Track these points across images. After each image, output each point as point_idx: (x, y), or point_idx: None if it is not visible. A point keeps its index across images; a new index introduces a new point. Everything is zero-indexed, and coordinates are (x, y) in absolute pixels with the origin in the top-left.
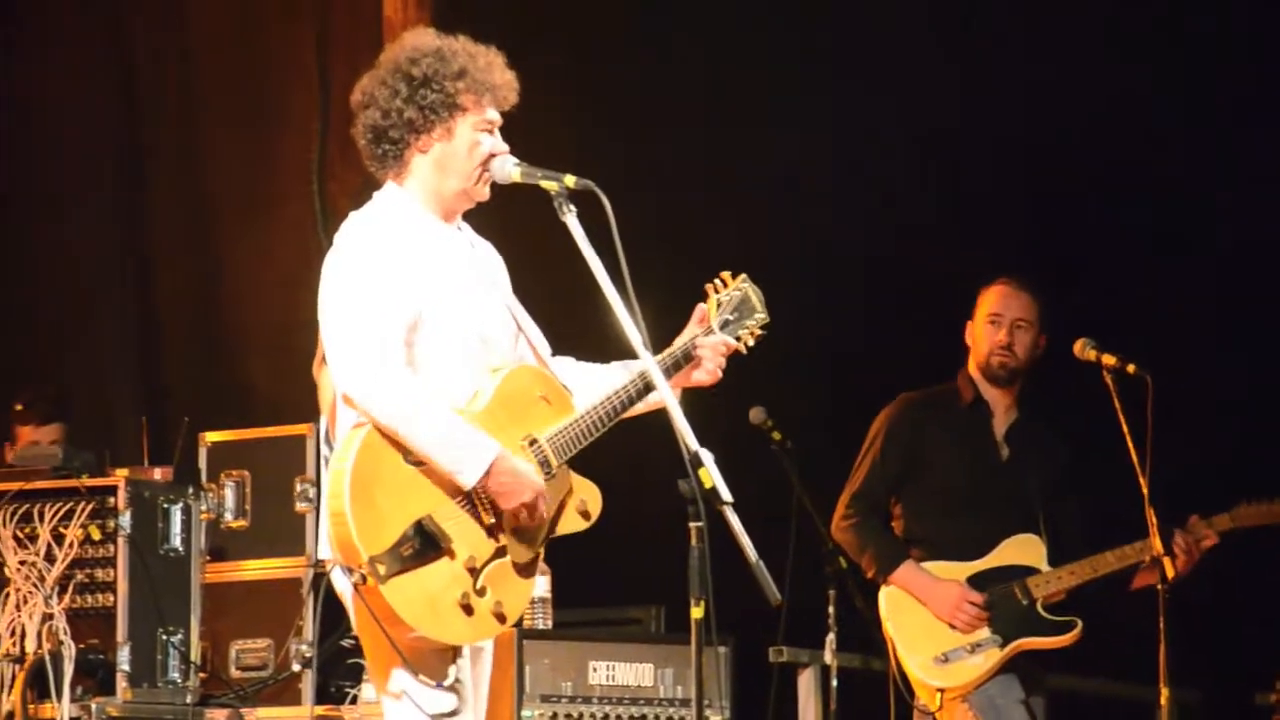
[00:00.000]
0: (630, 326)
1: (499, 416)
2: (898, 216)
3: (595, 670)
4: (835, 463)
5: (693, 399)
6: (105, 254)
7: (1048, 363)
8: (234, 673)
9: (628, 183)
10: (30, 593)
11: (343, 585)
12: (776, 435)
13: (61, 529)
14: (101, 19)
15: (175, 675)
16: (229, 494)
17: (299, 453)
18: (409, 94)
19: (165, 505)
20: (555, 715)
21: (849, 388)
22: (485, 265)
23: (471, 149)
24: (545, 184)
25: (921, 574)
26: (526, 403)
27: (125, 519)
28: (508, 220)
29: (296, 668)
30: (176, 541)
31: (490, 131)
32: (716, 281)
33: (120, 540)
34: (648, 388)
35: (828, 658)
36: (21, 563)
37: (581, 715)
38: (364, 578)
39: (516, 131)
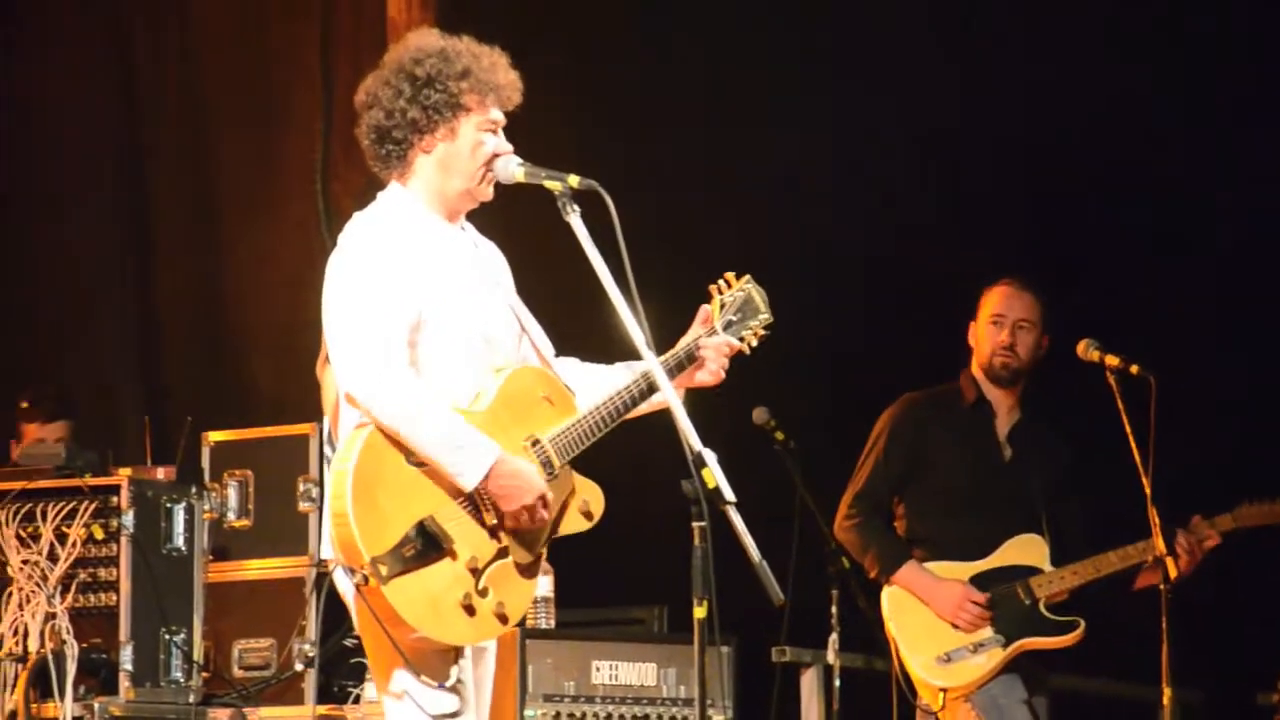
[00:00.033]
0: (633, 327)
1: (502, 417)
2: (898, 216)
3: (598, 670)
4: (838, 463)
5: (695, 399)
6: (107, 254)
7: (1050, 363)
8: (237, 672)
9: (628, 182)
10: (33, 592)
11: (345, 585)
12: (779, 435)
13: (64, 528)
14: (102, 19)
15: (178, 675)
16: (232, 493)
17: (302, 452)
18: (413, 94)
19: (168, 505)
20: (558, 715)
21: (851, 388)
22: (489, 265)
23: (475, 149)
24: (549, 184)
25: (924, 574)
26: (529, 403)
27: (128, 518)
28: (511, 220)
29: (299, 667)
30: (179, 541)
31: (494, 131)
32: (720, 282)
33: (123, 539)
34: (651, 388)
35: (830, 658)
36: (24, 562)
37: (584, 715)
38: (366, 578)
39: (520, 131)
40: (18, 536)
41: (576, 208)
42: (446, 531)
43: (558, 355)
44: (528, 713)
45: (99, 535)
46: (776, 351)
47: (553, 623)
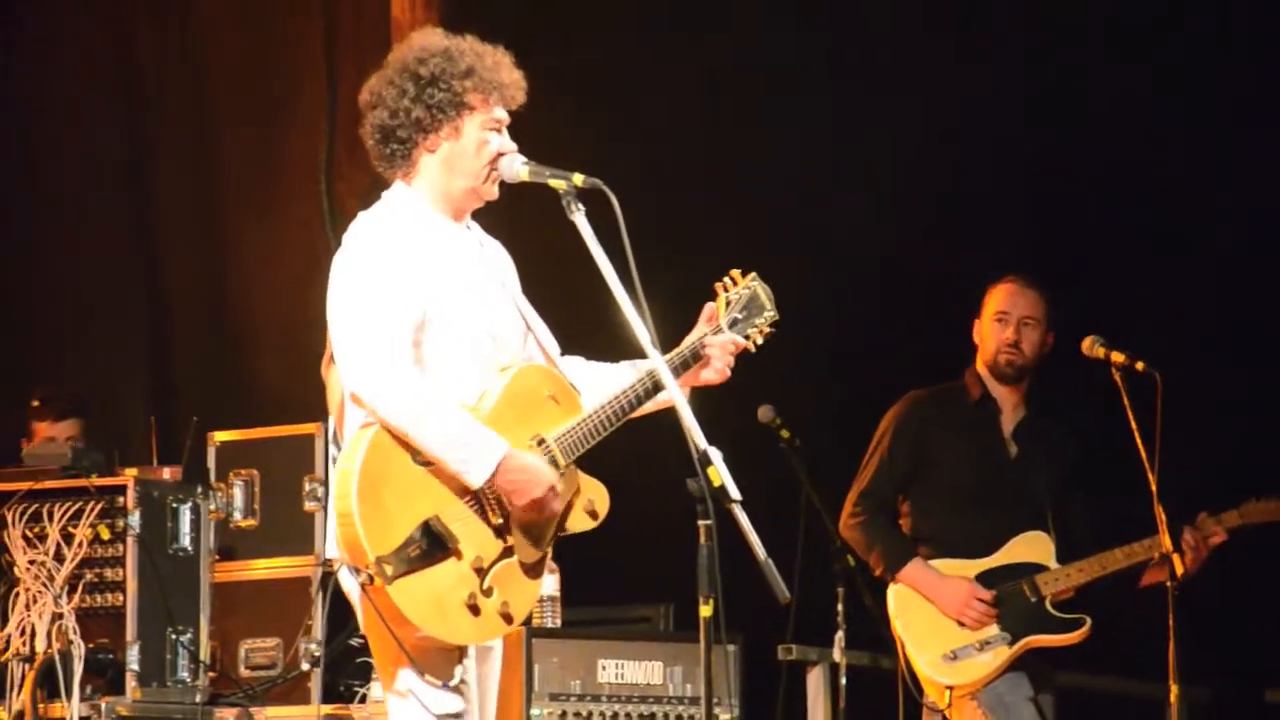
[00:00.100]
0: (638, 325)
1: (507, 416)
2: (899, 216)
3: (604, 669)
4: (843, 461)
5: (701, 398)
6: (112, 254)
7: (1055, 360)
8: (243, 672)
9: (628, 182)
10: (40, 592)
11: (350, 584)
12: (785, 433)
13: (71, 528)
14: (104, 18)
15: (184, 674)
16: (238, 493)
17: (308, 452)
18: (417, 93)
19: (174, 505)
20: (564, 713)
21: (857, 386)
22: (494, 264)
23: (479, 148)
24: (553, 183)
25: (929, 571)
26: (535, 402)
27: (134, 518)
28: (516, 219)
29: (305, 667)
30: (185, 541)
31: (498, 130)
32: (726, 280)
33: (129, 540)
34: (656, 387)
35: (836, 656)
36: (31, 562)
37: (590, 714)
38: (371, 578)
39: (524, 131)
40: (24, 537)
41: (581, 206)
42: (451, 531)
43: (563, 354)
44: (534, 712)
45: (105, 535)
46: (782, 350)
47: (558, 622)
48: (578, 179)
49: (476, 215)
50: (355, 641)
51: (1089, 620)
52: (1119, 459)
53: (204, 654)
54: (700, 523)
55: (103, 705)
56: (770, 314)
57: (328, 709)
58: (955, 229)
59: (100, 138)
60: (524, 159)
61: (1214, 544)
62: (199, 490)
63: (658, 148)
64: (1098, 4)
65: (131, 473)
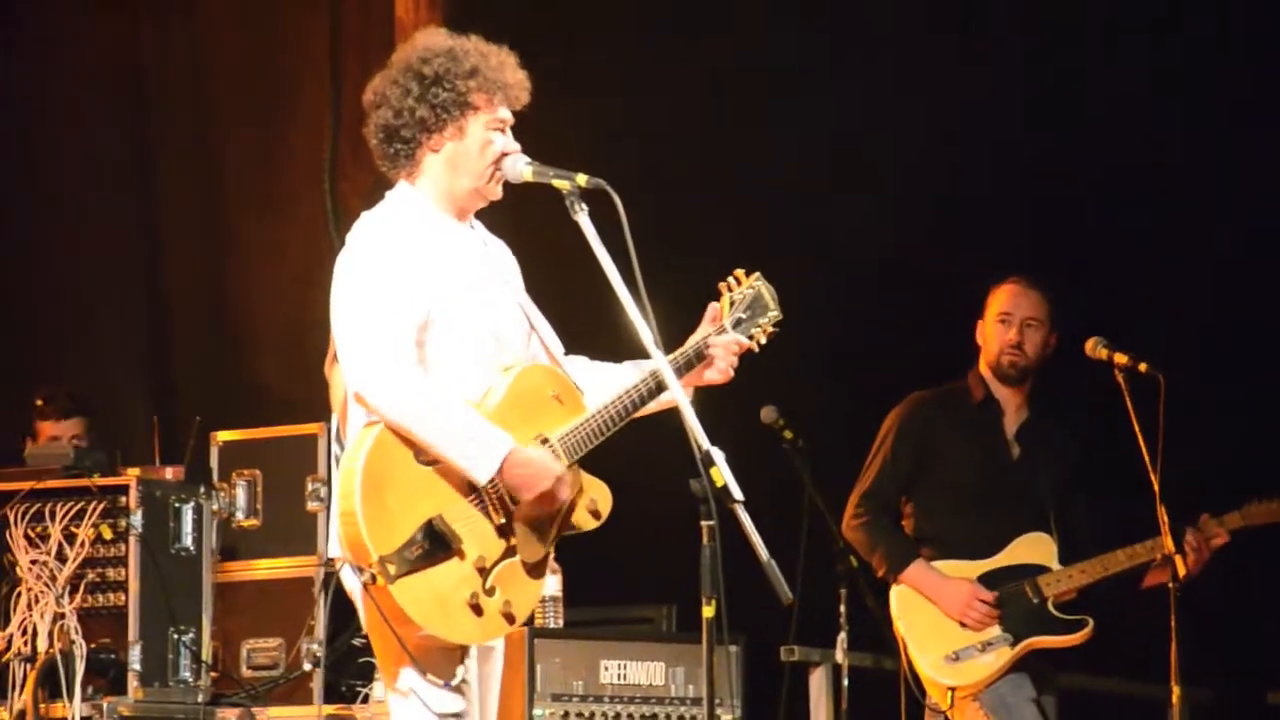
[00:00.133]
0: (641, 325)
1: (510, 415)
2: (899, 217)
3: (607, 669)
4: (846, 462)
5: (704, 398)
6: (115, 254)
7: (1058, 361)
8: (245, 672)
9: (628, 183)
10: (42, 592)
11: (352, 583)
12: (788, 434)
13: (73, 528)
14: (106, 19)
15: (186, 674)
16: (240, 493)
17: (310, 452)
18: (421, 93)
19: (177, 504)
20: (566, 714)
21: (860, 387)
22: (498, 263)
23: (483, 148)
24: (557, 183)
25: (932, 572)
26: (538, 401)
27: (137, 518)
28: (520, 219)
29: (308, 667)
30: (188, 541)
31: (502, 130)
32: (730, 279)
33: (132, 539)
34: (659, 387)
35: (839, 656)
36: (33, 562)
37: (593, 714)
38: (374, 577)
39: (527, 131)
40: (26, 536)
41: (584, 206)
42: (454, 531)
43: (567, 353)
44: (536, 712)
45: (107, 535)
46: (784, 351)
47: (561, 622)
48: (581, 179)
49: (480, 215)
50: (357, 642)
51: (1091, 621)
52: (1121, 460)
53: (206, 654)
54: (703, 523)
55: (104, 705)
56: (774, 314)
57: (330, 709)
58: (955, 230)
59: (100, 138)
60: (528, 159)
61: (1216, 545)
62: (201, 490)
63: (660, 148)
64: (1098, 4)
65: (134, 472)
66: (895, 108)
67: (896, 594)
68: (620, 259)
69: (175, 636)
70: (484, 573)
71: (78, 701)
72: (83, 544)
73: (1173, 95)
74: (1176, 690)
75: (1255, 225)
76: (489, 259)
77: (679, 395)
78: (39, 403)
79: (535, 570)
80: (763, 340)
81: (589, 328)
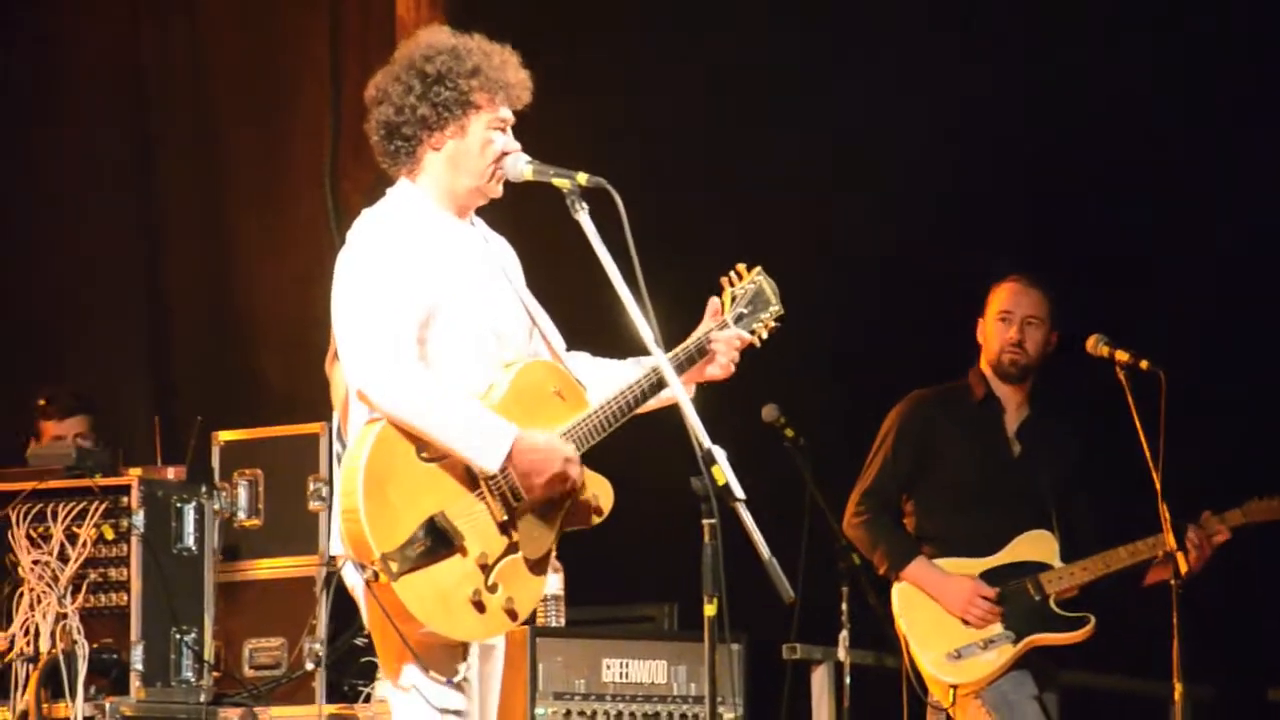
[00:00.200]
0: (642, 323)
1: (513, 411)
2: (899, 216)
3: (608, 668)
4: (847, 460)
5: (705, 396)
6: (116, 253)
7: (1059, 359)
8: (247, 671)
9: (629, 182)
10: (44, 592)
11: (354, 580)
12: (789, 432)
13: (75, 528)
14: (107, 18)
15: (189, 674)
16: (242, 493)
17: (312, 451)
18: (423, 91)
19: (178, 504)
20: (568, 713)
21: (861, 385)
22: (499, 260)
23: (484, 147)
24: (558, 182)
25: (933, 570)
26: (540, 397)
27: (138, 518)
28: (521, 217)
29: (310, 666)
30: (190, 541)
31: (503, 130)
32: (731, 274)
33: (133, 539)
34: (660, 383)
35: (841, 655)
36: (35, 562)
37: (595, 713)
38: (376, 574)
39: (527, 130)
40: (28, 537)
41: (585, 205)
42: (457, 528)
43: (568, 350)
44: (538, 711)
45: (109, 535)
46: (785, 349)
47: (563, 621)
48: (582, 178)
49: (481, 212)
50: (359, 641)
51: (1093, 619)
52: (1122, 458)
53: (208, 654)
54: (705, 522)
55: (107, 705)
56: (776, 308)
57: (332, 709)
58: (956, 228)
59: (100, 138)
60: (528, 158)
61: (1218, 542)
62: (203, 490)
63: (661, 147)
64: (1099, 3)
65: (135, 472)
66: (896, 106)
67: (898, 592)
68: (621, 258)
69: (177, 636)
70: (486, 569)
71: (80, 701)
72: (85, 544)
73: (1174, 93)
74: (1178, 687)
75: (1256, 223)
76: (490, 256)
77: (680, 393)
78: (41, 402)
79: (537, 567)
80: (764, 335)
81: (590, 326)
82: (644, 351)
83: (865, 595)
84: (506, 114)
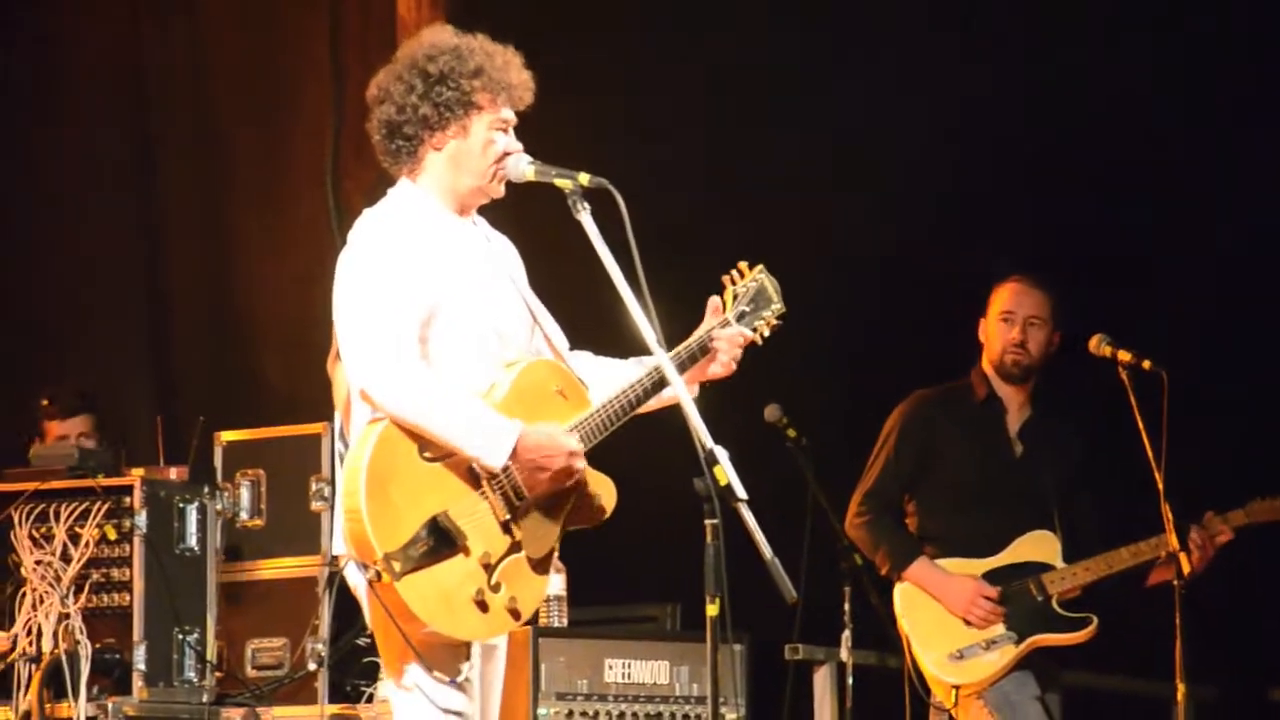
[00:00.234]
0: (644, 323)
1: (515, 410)
2: (900, 216)
3: (611, 668)
4: (849, 460)
5: (707, 396)
6: (117, 253)
7: (1061, 359)
8: (250, 671)
9: (629, 181)
10: (46, 592)
11: (357, 580)
12: (791, 433)
13: (77, 528)
14: (107, 18)
15: (191, 674)
16: (244, 493)
17: (314, 451)
18: (425, 90)
19: (181, 505)
20: (571, 713)
21: (863, 385)
22: (501, 259)
23: (486, 147)
24: (559, 182)
25: (935, 570)
26: (542, 396)
27: (141, 518)
28: (523, 217)
29: (312, 666)
30: (192, 541)
31: (505, 130)
32: (733, 272)
33: (136, 540)
34: (662, 382)
35: (843, 655)
36: (38, 562)
37: (597, 713)
38: (379, 574)
39: (528, 129)
40: (31, 537)
41: (587, 205)
42: (459, 527)
43: (571, 349)
44: (540, 711)
45: (112, 535)
46: (788, 349)
47: (565, 621)
48: (583, 178)
49: (482, 212)
50: (362, 641)
51: (1095, 619)
52: (1125, 458)
53: (211, 654)
54: (707, 522)
55: (109, 705)
56: (777, 306)
57: (334, 709)
58: (956, 229)
59: (100, 137)
60: (530, 158)
61: (1220, 543)
62: (205, 490)
63: (660, 147)
64: (1099, 3)
65: (138, 473)
66: (896, 106)
67: (900, 592)
68: (622, 257)
69: (180, 636)
70: (489, 569)
71: (83, 702)
72: (87, 544)
73: (1174, 93)
74: (1181, 688)
75: (1256, 223)
76: (492, 255)
77: (682, 393)
78: (44, 402)
79: (540, 566)
80: (766, 333)
81: (592, 325)
82: (646, 351)
83: (867, 595)
84: (509, 114)
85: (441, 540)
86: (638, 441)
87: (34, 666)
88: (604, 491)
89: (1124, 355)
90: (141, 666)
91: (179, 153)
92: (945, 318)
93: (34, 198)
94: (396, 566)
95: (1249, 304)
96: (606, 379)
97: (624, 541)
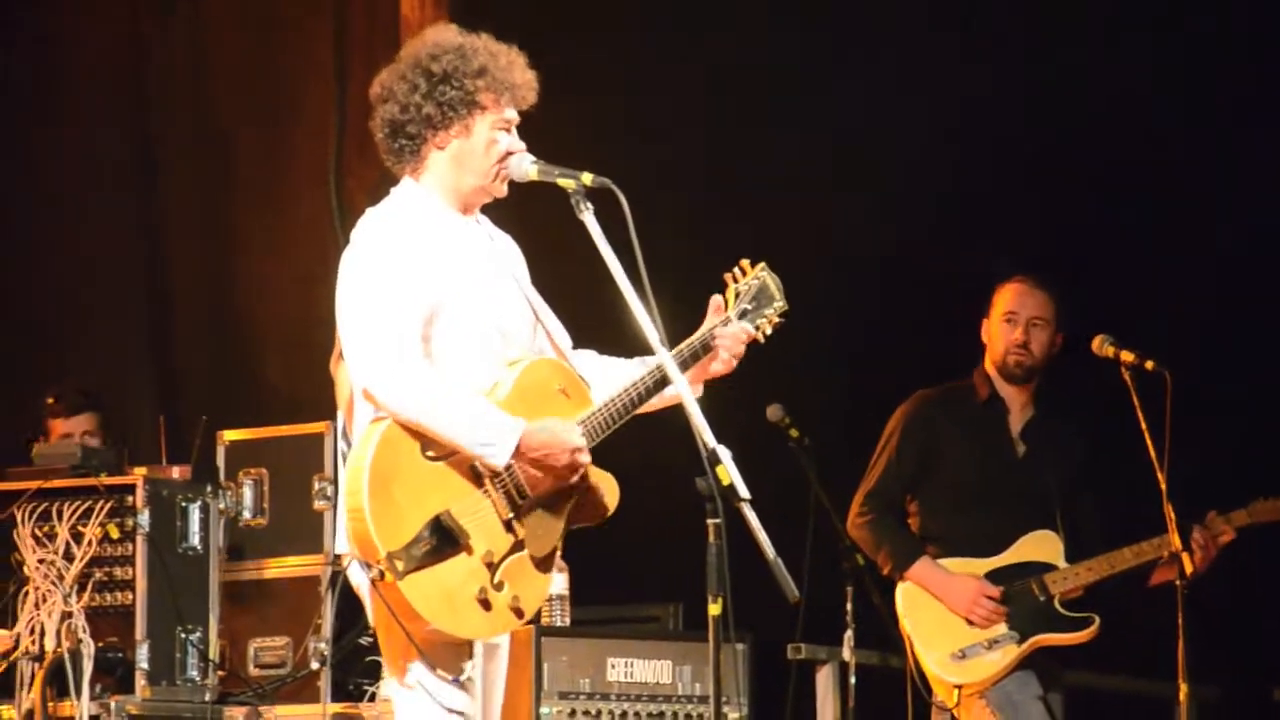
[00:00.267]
0: (647, 323)
1: (518, 409)
2: (900, 216)
3: (613, 667)
4: (852, 460)
5: (710, 396)
6: (119, 253)
7: (1064, 359)
8: (252, 670)
9: (629, 181)
10: (49, 591)
11: (360, 579)
12: (794, 432)
13: (80, 527)
14: (109, 18)
15: (194, 673)
16: (247, 492)
17: (317, 450)
18: (428, 90)
19: (183, 504)
20: (573, 712)
21: (866, 385)
22: (504, 257)
23: (489, 147)
24: (562, 182)
25: (937, 569)
26: (545, 395)
27: (144, 517)
28: (526, 216)
29: (315, 665)
30: (195, 540)
31: (508, 130)
32: (735, 270)
33: (139, 539)
34: (664, 380)
35: (846, 655)
36: (41, 561)
37: (599, 712)
38: (382, 573)
39: (529, 129)
40: (34, 536)
41: (590, 205)
42: (462, 526)
43: (574, 349)
44: (543, 710)
45: (114, 534)
46: (790, 348)
47: (568, 620)
48: (586, 178)
49: (485, 210)
50: (364, 640)
51: (1098, 619)
52: (1128, 458)
53: (213, 653)
54: (709, 521)
55: (112, 704)
56: (780, 304)
57: (336, 708)
58: (956, 229)
59: (100, 137)
60: (533, 158)
61: (1223, 543)
62: (208, 489)
63: (660, 147)
64: (1098, 4)
65: (141, 472)
66: (896, 106)
67: (902, 591)
68: (626, 257)
69: (182, 635)
70: (492, 567)
71: (85, 700)
72: (90, 543)
73: (1174, 93)
74: (1183, 688)
75: (1256, 223)
76: (495, 253)
77: (684, 391)
78: (49, 400)
79: (543, 565)
80: (768, 330)
81: (595, 325)
82: (649, 350)
83: (870, 595)
84: (512, 114)
85: (444, 539)
86: (640, 441)
87: (37, 665)
88: (607, 489)
89: (1127, 356)
90: (144, 665)
91: (180, 153)
92: (945, 318)
93: (34, 198)
94: (399, 565)
95: (1249, 304)
96: (610, 378)
97: (627, 541)
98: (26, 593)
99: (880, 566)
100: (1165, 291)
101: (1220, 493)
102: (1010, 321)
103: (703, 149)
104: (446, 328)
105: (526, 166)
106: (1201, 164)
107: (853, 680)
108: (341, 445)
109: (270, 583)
